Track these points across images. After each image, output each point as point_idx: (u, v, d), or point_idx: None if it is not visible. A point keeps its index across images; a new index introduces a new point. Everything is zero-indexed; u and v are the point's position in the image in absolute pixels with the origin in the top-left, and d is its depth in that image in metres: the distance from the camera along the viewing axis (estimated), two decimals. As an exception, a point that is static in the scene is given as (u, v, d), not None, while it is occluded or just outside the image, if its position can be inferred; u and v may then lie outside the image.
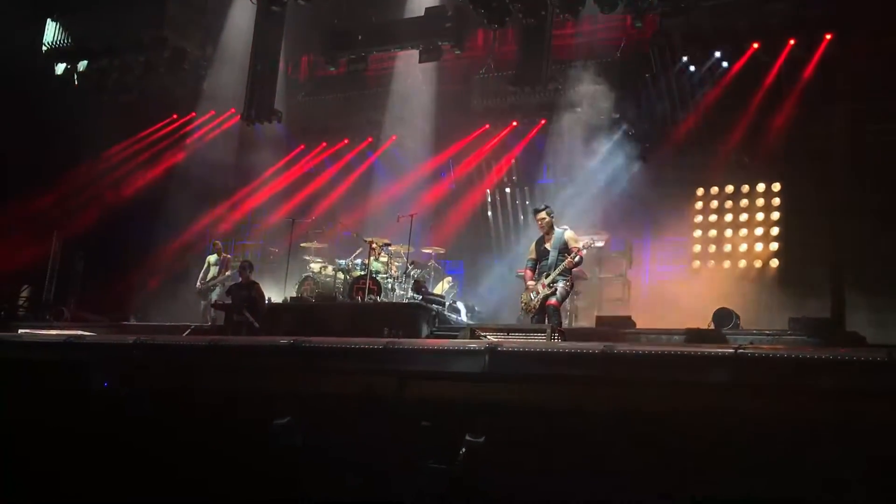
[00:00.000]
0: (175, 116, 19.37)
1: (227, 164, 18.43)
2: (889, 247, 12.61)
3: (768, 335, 10.74)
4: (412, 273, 14.51)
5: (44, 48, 18.21)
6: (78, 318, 15.59)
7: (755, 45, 14.64)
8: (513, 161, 18.01)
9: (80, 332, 11.17)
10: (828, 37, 14.06)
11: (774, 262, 14.84)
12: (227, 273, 15.71)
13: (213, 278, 15.86)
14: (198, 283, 16.02)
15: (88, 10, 17.86)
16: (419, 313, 12.30)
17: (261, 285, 13.28)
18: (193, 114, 19.12)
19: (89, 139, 18.24)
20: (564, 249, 9.97)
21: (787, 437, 5.56)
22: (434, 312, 12.57)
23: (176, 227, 17.79)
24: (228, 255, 16.32)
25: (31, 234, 17.34)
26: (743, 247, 15.32)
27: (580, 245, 9.96)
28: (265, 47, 16.18)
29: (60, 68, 18.31)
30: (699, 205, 15.87)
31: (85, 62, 18.08)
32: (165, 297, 16.55)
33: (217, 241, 16.63)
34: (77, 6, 18.01)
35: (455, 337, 10.79)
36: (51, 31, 18.21)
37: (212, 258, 16.14)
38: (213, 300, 15.24)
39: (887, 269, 12.70)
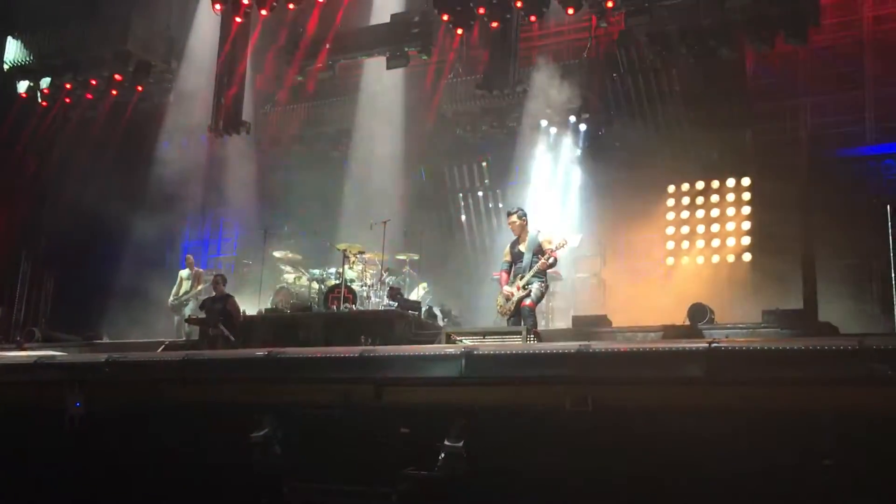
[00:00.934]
0: (142, 131, 19.18)
1: (197, 177, 18.28)
2: (858, 236, 12.75)
3: (743, 328, 10.80)
4: (387, 280, 14.47)
5: (5, 66, 18.00)
6: (49, 338, 15.39)
7: (719, 43, 14.75)
8: (484, 164, 18.03)
9: (51, 353, 11.03)
10: (788, 32, 14.19)
11: (747, 256, 14.94)
12: (200, 287, 15.60)
13: (186, 293, 15.74)
14: (170, 299, 15.89)
15: (50, 26, 17.67)
16: (395, 320, 12.27)
17: (235, 298, 13.19)
18: (160, 127, 18.95)
19: (55, 156, 18.05)
20: (538, 251, 9.99)
21: (764, 428, 5.59)
22: (410, 319, 12.54)
23: (146, 242, 17.61)
24: (201, 269, 16.21)
25: (-1, 254, 17.15)
26: (715, 242, 15.42)
27: (553, 246, 9.98)
28: (231, 59, 16.11)
29: (23, 86, 18.10)
30: (671, 202, 15.95)
31: (48, 79, 17.88)
32: (138, 313, 16.36)
33: (189, 256, 16.53)
34: (39, 23, 17.82)
35: (432, 342, 10.76)
36: (12, 49, 18.01)
37: (184, 272, 16.02)
38: (187, 315, 15.12)
39: (857, 259, 12.85)
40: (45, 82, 17.89)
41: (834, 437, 5.37)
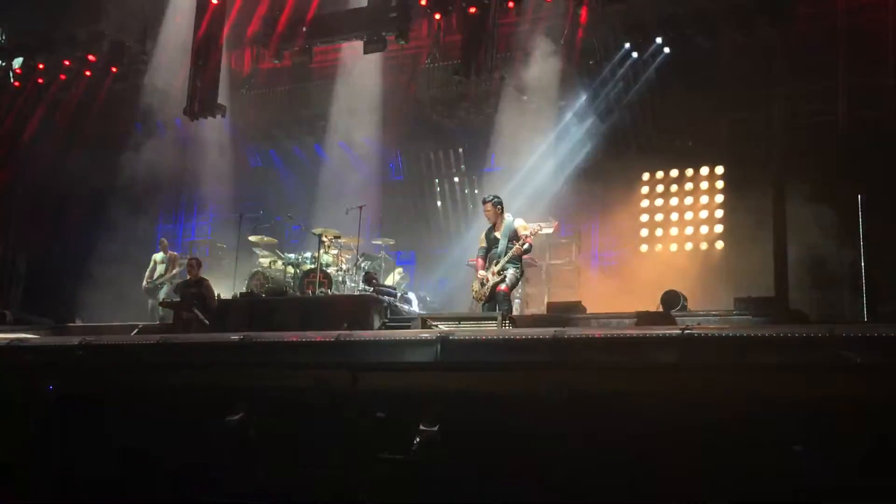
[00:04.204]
0: (115, 112, 18.99)
1: (171, 160, 18.12)
2: (829, 225, 12.90)
3: (715, 315, 10.91)
4: (363, 265, 14.47)
5: (-23, 46, 17.76)
6: (21, 320, 15.25)
7: (695, 32, 14.86)
8: (460, 150, 18.04)
9: (23, 335, 10.93)
10: (763, 21, 14.31)
11: (719, 244, 15.10)
12: (175, 270, 15.53)
13: (161, 276, 15.66)
14: (144, 282, 15.80)
15: (23, 6, 17.41)
16: (371, 305, 12.27)
17: (210, 282, 13.14)
18: (134, 109, 18.77)
19: (28, 138, 17.84)
20: (513, 237, 10.04)
21: (735, 414, 5.68)
22: (385, 304, 12.55)
23: (120, 225, 17.47)
24: (175, 253, 16.11)
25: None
26: (689, 230, 15.57)
27: (528, 232, 10.04)
28: (206, 40, 15.92)
29: (-4, 66, 17.88)
30: (645, 189, 16.08)
31: (20, 59, 17.64)
32: (111, 297, 16.24)
33: (163, 239, 16.41)
34: (10, 2, 17.54)
35: (407, 328, 10.79)
36: (-16, 29, 17.78)
37: (158, 256, 15.93)
38: (161, 298, 15.05)
39: (828, 247, 13.00)
40: (17, 62, 17.66)
41: (804, 424, 5.46)
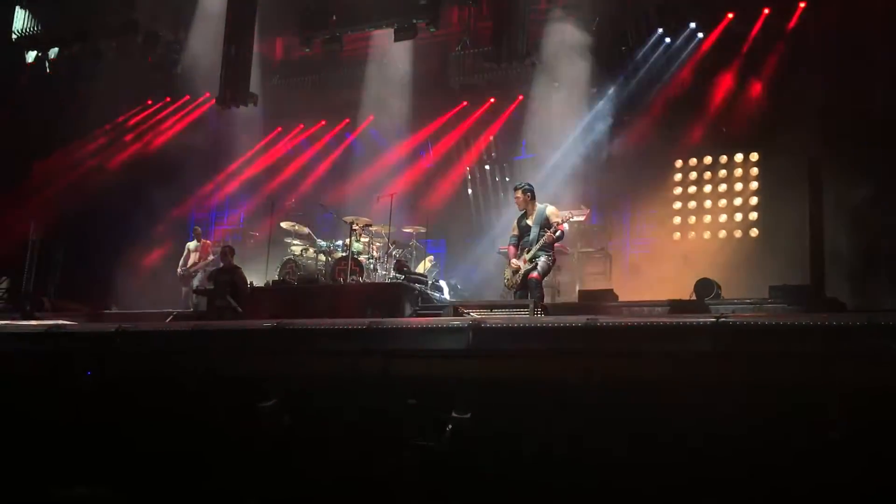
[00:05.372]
0: (150, 102, 19.19)
1: (204, 148, 18.27)
2: (867, 212, 12.69)
3: (749, 304, 10.82)
4: (394, 253, 14.49)
5: (13, 36, 17.93)
6: (59, 307, 15.49)
7: (730, 16, 14.70)
8: (491, 138, 18.00)
9: (61, 322, 11.10)
10: (802, 5, 14.11)
11: (754, 232, 14.94)
12: (209, 258, 15.66)
13: (194, 264, 15.81)
14: (178, 270, 15.96)
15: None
16: (402, 293, 12.31)
17: (242, 269, 13.23)
18: (168, 99, 18.95)
19: (63, 127, 18.04)
20: (545, 225, 10.00)
21: (769, 403, 5.62)
22: (417, 291, 12.58)
23: (154, 213, 17.66)
24: (208, 241, 16.26)
25: (8, 225, 17.17)
26: (722, 217, 15.42)
27: (560, 219, 9.99)
28: (238, 29, 16.00)
29: (31, 56, 18.05)
30: (678, 176, 15.93)
31: (56, 49, 17.83)
32: (147, 284, 16.45)
33: (197, 227, 16.57)
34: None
35: (438, 315, 10.80)
36: (20, 19, 17.94)
37: (191, 244, 16.08)
38: (195, 286, 15.19)
39: (866, 235, 12.80)
40: (53, 52, 17.84)
41: (839, 413, 5.39)
